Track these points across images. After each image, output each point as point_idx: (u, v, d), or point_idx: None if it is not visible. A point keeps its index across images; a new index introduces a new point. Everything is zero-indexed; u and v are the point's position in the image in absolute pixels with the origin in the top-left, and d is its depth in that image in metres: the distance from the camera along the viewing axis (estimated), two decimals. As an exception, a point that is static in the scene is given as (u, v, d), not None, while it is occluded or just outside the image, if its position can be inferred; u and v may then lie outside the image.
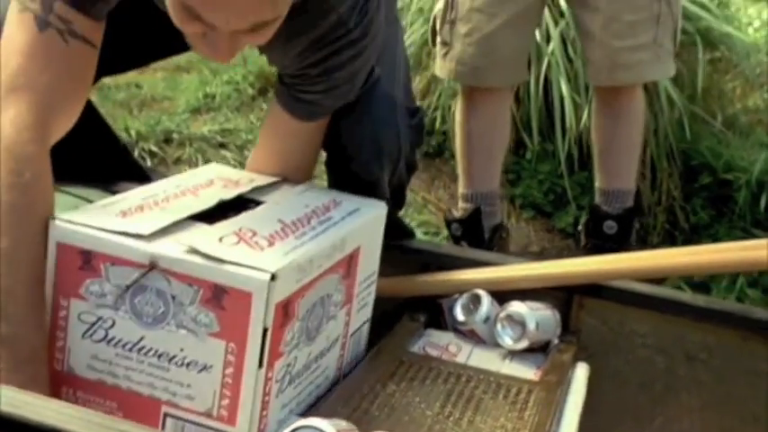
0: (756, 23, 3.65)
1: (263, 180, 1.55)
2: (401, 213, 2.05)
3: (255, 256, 1.23)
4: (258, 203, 1.45)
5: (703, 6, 2.87)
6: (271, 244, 1.27)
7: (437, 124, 3.03)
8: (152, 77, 3.63)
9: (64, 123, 1.43)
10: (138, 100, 3.46)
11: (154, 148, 2.97)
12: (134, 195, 1.41)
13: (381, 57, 1.66)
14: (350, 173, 1.67)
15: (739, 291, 2.48)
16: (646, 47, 2.06)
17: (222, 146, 2.96)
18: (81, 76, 1.46)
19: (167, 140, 2.96)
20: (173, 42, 1.52)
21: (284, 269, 1.22)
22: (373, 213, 1.53)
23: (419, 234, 2.54)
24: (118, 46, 1.58)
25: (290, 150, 1.65)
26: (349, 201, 1.53)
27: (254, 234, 1.29)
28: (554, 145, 2.88)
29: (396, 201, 1.85)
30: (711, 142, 3.01)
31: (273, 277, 1.19)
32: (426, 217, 2.79)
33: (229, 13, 1.27)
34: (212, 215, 1.36)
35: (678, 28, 2.08)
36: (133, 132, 3.04)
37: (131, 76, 3.64)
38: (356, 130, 1.65)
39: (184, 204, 1.38)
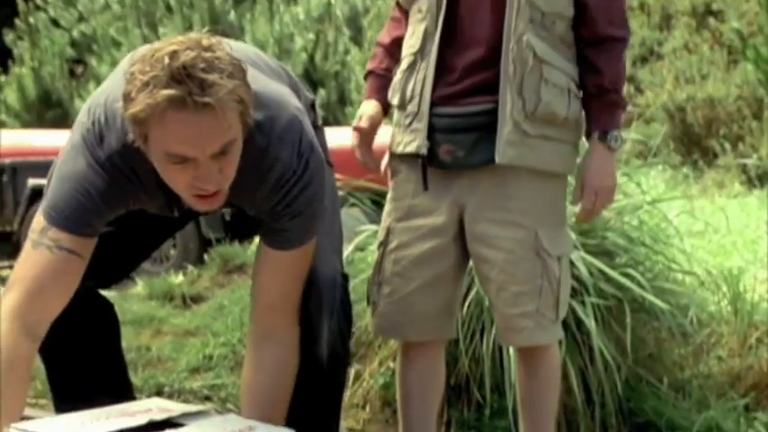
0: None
1: (194, 409, 1.88)
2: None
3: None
4: (182, 425, 1.77)
5: (640, 284, 3.19)
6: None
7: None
8: (160, 341, 4.01)
9: (51, 307, 1.97)
10: (145, 360, 3.82)
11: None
12: (86, 414, 1.74)
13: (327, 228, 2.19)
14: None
15: None
16: (529, 315, 2.36)
17: (207, 398, 3.29)
18: (65, 274, 1.98)
19: (158, 393, 3.30)
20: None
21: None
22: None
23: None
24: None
25: (272, 280, 2.12)
26: (264, 428, 1.84)
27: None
28: (507, 401, 3.16)
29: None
30: (656, 402, 3.27)
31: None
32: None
33: (201, 143, 1.82)
34: (141, 432, 1.68)
35: (560, 300, 2.39)
36: (129, 385, 3.38)
37: (143, 339, 4.03)
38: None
39: (120, 422, 1.71)
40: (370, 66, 2.59)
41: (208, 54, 1.82)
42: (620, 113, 2.37)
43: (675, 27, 10.74)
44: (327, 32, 11.19)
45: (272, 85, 2.12)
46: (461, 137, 2.34)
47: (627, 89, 10.10)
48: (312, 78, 10.86)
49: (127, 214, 2.17)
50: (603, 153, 2.35)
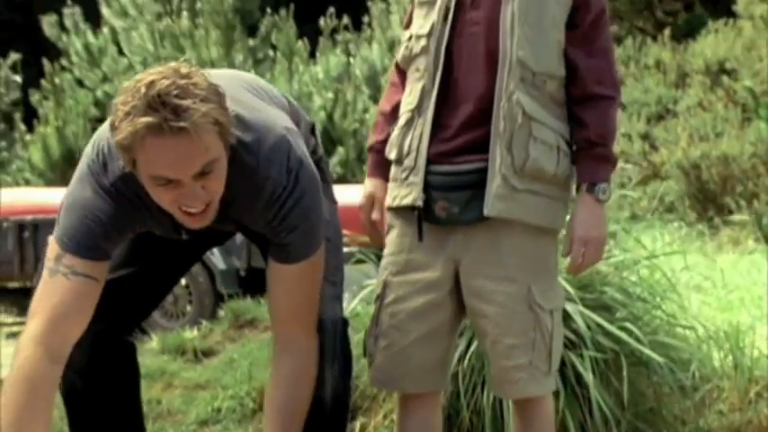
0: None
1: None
2: None
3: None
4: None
5: (638, 338, 3.25)
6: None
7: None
8: (171, 394, 4.08)
9: (72, 330, 2.09)
10: (156, 413, 3.89)
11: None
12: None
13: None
14: None
15: None
16: (523, 368, 2.41)
17: (211, 449, 3.36)
18: (82, 298, 2.11)
19: (166, 445, 3.38)
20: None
21: None
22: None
23: None
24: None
25: (283, 294, 2.25)
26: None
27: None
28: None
29: None
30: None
31: None
32: None
33: (181, 165, 1.97)
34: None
35: (553, 352, 2.44)
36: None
37: (154, 392, 4.11)
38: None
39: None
40: (371, 139, 2.67)
41: (183, 81, 1.97)
42: (609, 167, 2.43)
43: (690, 85, 10.85)
44: (346, 91, 11.35)
45: (262, 108, 2.26)
46: (456, 194, 2.42)
47: (642, 147, 10.19)
48: (331, 136, 11.01)
49: (142, 249, 2.33)
50: (591, 205, 2.41)
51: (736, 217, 8.91)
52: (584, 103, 2.42)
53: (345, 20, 12.42)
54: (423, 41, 2.48)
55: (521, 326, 2.41)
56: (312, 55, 11.95)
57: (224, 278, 6.53)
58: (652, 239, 6.48)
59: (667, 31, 12.50)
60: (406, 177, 2.48)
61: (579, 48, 2.42)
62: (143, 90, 1.95)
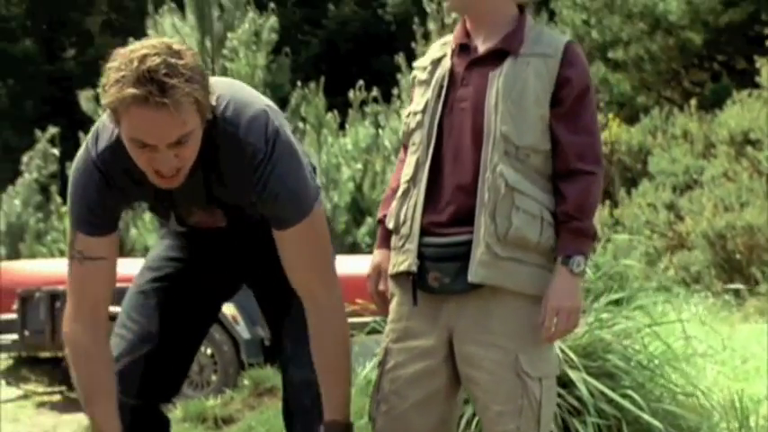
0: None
1: None
2: None
3: None
4: None
5: (640, 406, 3.30)
6: None
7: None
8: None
9: (99, 304, 2.45)
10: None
11: None
12: None
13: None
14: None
15: None
16: None
17: None
18: (98, 277, 2.45)
19: None
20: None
21: None
22: None
23: None
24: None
25: (292, 257, 2.48)
26: None
27: None
28: None
29: None
30: None
31: None
32: None
33: (159, 135, 2.23)
34: None
35: (542, 420, 2.50)
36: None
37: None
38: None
39: None
40: (380, 212, 2.79)
41: (173, 59, 2.20)
42: (586, 241, 2.52)
43: (716, 155, 10.91)
44: (375, 162, 11.51)
45: (248, 91, 2.51)
46: (446, 265, 2.52)
47: (667, 217, 10.24)
48: (360, 207, 11.15)
49: (168, 314, 2.62)
50: (566, 276, 2.50)
51: (762, 287, 8.92)
52: (566, 178, 2.52)
53: (374, 92, 12.63)
54: (418, 117, 2.62)
55: (508, 393, 2.48)
56: (341, 127, 12.15)
57: (248, 347, 6.62)
58: (677, 309, 6.51)
59: (694, 101, 12.61)
60: (403, 245, 2.60)
61: (563, 124, 2.53)
62: (135, 63, 2.18)
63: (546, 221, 2.52)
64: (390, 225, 2.67)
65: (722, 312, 7.80)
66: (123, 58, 2.21)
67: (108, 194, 2.43)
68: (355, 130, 12.03)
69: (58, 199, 12.13)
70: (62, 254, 11.19)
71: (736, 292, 8.92)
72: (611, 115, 13.54)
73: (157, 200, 2.52)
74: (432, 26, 11.80)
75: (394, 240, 2.67)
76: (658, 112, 13.00)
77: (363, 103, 12.51)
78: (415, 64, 2.75)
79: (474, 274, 2.47)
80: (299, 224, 2.46)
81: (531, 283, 2.51)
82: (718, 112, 12.02)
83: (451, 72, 2.58)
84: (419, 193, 2.57)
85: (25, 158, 13.91)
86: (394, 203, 2.67)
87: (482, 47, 2.57)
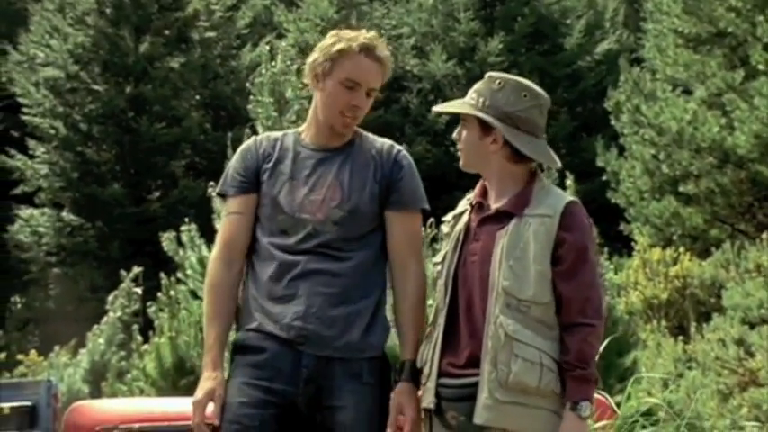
0: None
1: None
2: None
3: None
4: None
5: None
6: None
7: None
8: None
9: (237, 248, 3.06)
10: None
11: None
12: None
13: None
14: None
15: None
16: None
17: None
18: (238, 227, 3.07)
19: None
20: None
21: None
22: None
23: None
24: None
25: (398, 234, 3.08)
26: None
27: None
28: None
29: None
30: None
31: None
32: None
33: (370, 78, 3.08)
34: None
35: None
36: None
37: None
38: None
39: None
40: None
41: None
42: (589, 386, 2.76)
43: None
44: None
45: None
46: (462, 404, 2.78)
47: (737, 352, 10.17)
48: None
49: None
50: (574, 420, 2.73)
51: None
52: (568, 330, 2.75)
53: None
54: (438, 267, 2.90)
55: None
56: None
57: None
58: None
59: (765, 235, 12.61)
60: (425, 383, 2.86)
61: (564, 281, 2.77)
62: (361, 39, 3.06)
63: (546, 367, 2.73)
64: (418, 365, 2.91)
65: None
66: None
67: (246, 161, 3.08)
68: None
69: (139, 337, 12.50)
70: (141, 392, 11.49)
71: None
72: (681, 249, 13.60)
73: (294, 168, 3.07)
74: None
75: (421, 378, 2.91)
76: (730, 246, 13.01)
77: (434, 240, 12.77)
78: (444, 218, 3.02)
79: (479, 417, 2.70)
80: (413, 212, 3.04)
81: (532, 424, 2.72)
82: (789, 242, 12.00)
83: (467, 227, 2.85)
84: (438, 337, 2.82)
85: (110, 297, 14.41)
86: (422, 346, 2.91)
87: (493, 206, 2.84)
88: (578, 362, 2.74)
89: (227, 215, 3.11)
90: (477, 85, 2.93)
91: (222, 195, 3.16)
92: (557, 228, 2.77)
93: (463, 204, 2.99)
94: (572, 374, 2.73)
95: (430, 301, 2.94)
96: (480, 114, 2.85)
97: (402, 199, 3.04)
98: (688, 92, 15.08)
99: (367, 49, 3.03)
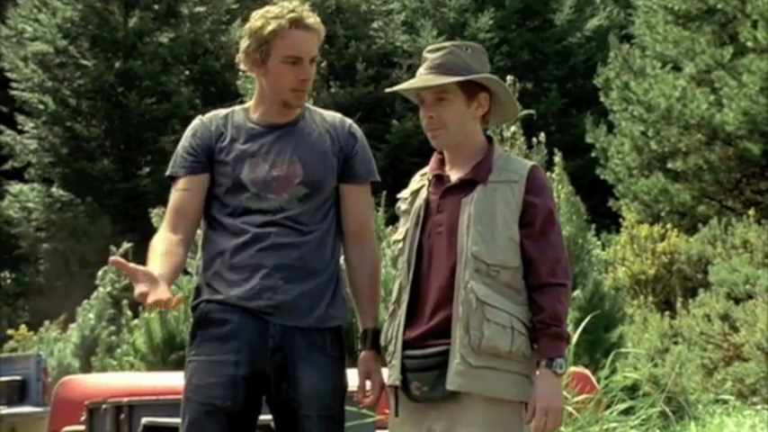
0: None
1: None
2: None
3: None
4: None
5: None
6: None
7: None
8: None
9: (187, 221, 3.05)
10: None
11: None
12: None
13: None
14: None
15: None
16: None
17: None
18: (184, 202, 3.06)
19: None
20: None
21: None
22: None
23: None
24: None
25: (352, 210, 3.12)
26: None
27: None
28: None
29: None
30: None
31: None
32: None
33: (309, 48, 3.09)
34: None
35: None
36: None
37: None
38: None
39: None
40: None
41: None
42: (563, 344, 2.82)
43: (773, 265, 10.95)
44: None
45: None
46: (426, 374, 2.82)
47: (722, 328, 10.27)
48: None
49: None
50: (550, 378, 2.77)
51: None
52: (540, 291, 2.81)
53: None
54: (400, 245, 2.94)
55: None
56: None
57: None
58: (737, 425, 6.57)
59: (752, 211, 12.69)
60: (390, 361, 2.90)
61: (533, 243, 2.83)
62: (287, 11, 3.05)
63: (517, 331, 2.79)
64: (383, 343, 2.97)
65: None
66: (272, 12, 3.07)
67: (195, 140, 3.09)
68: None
69: (129, 313, 12.53)
70: (132, 367, 11.54)
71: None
72: (669, 225, 13.66)
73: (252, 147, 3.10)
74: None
75: (385, 356, 2.97)
76: (717, 222, 13.07)
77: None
78: (399, 195, 3.06)
79: (451, 383, 2.75)
80: (365, 184, 3.10)
81: (505, 388, 2.78)
82: (777, 220, 12.08)
83: (428, 201, 2.89)
84: (402, 314, 2.87)
85: (100, 273, 14.43)
86: (385, 324, 2.96)
87: (455, 176, 2.90)
88: (552, 320, 2.79)
89: (176, 191, 3.08)
90: (438, 59, 2.90)
91: (173, 177, 3.11)
92: (523, 192, 2.83)
93: (418, 180, 3.00)
94: (546, 332, 2.78)
95: (395, 293, 2.95)
96: (473, 77, 2.87)
97: (358, 171, 3.11)
98: (677, 68, 15.12)
99: (297, 22, 3.04)
